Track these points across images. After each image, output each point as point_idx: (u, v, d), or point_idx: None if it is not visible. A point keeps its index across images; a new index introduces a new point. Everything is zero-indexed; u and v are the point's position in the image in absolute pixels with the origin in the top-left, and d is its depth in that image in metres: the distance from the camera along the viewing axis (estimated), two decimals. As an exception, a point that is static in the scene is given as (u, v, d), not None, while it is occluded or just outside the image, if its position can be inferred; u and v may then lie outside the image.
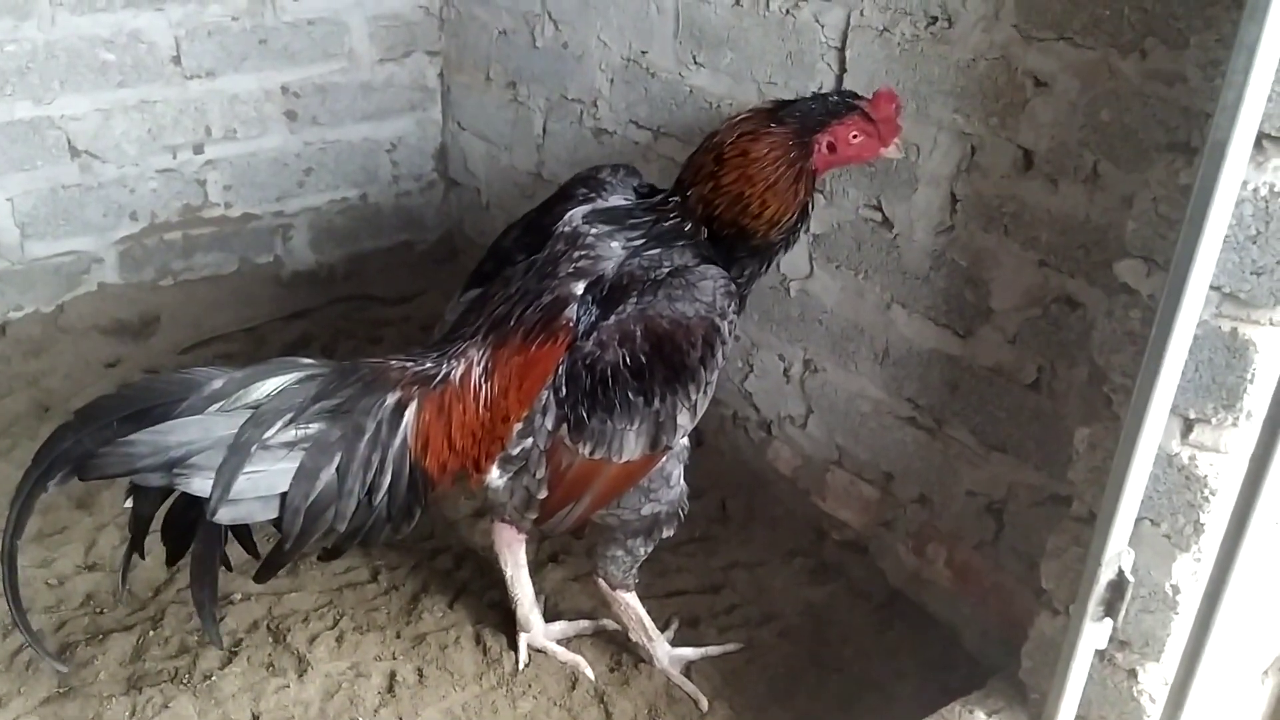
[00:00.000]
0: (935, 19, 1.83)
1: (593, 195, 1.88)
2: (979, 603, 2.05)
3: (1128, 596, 1.44)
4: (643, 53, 2.48)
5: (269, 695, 1.91)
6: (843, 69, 2.03)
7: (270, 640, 2.04)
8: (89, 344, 2.90)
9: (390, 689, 1.95)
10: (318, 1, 3.01)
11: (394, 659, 2.01)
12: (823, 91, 1.88)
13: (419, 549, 2.28)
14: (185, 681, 1.93)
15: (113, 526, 2.28)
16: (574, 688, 2.00)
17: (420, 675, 1.98)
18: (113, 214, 2.91)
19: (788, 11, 2.11)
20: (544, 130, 2.90)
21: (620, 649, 2.08)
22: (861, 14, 1.96)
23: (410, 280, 3.36)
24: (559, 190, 1.96)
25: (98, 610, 2.09)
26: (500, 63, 3.00)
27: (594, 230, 1.77)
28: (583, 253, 1.75)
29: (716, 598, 2.22)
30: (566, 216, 1.81)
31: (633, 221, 1.78)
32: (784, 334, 2.33)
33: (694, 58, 2.35)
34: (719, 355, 1.74)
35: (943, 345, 1.99)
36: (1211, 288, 1.27)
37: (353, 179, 3.27)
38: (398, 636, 2.07)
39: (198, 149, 2.98)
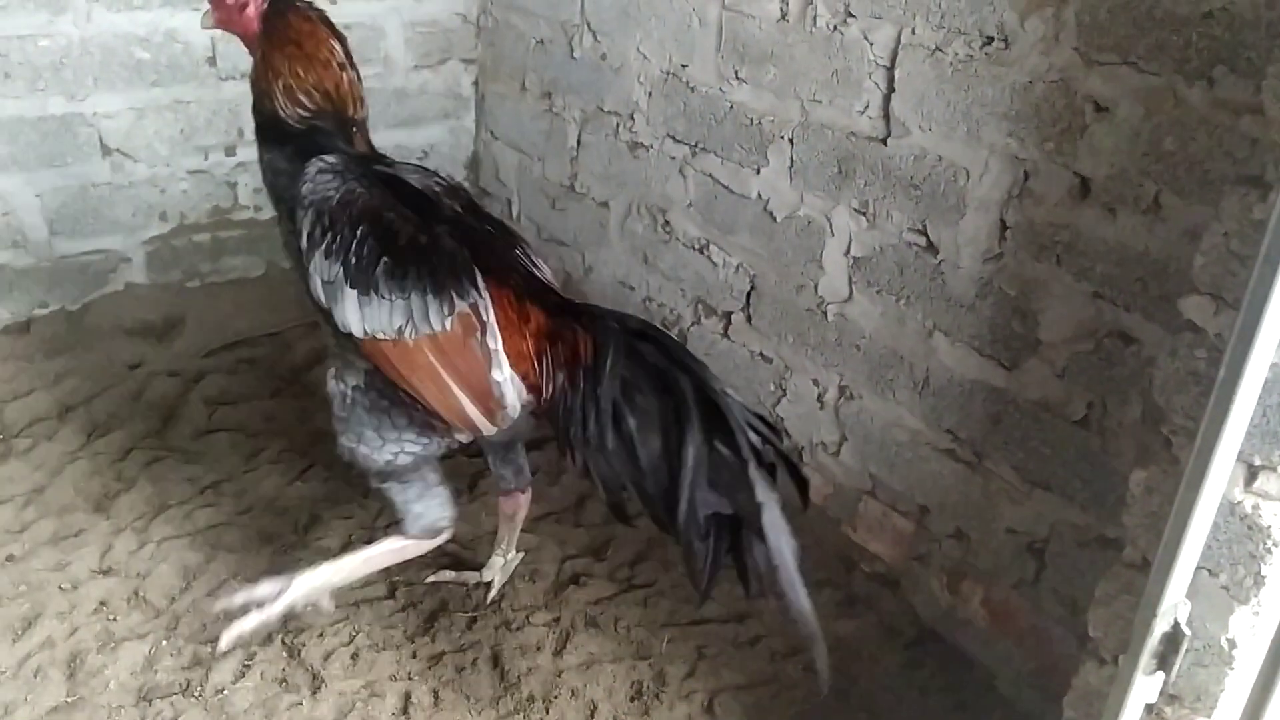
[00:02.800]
0: (991, 39, 1.78)
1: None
2: (1016, 645, 1.98)
3: (1183, 650, 1.37)
4: (683, 66, 2.43)
5: (281, 712, 1.86)
6: (891, 88, 1.98)
7: (284, 654, 1.99)
8: (113, 344, 2.87)
9: (405, 710, 1.90)
10: (355, 5, 2.99)
11: (409, 679, 1.96)
12: None
13: (438, 565, 2.23)
14: (197, 695, 1.89)
15: (129, 531, 2.24)
16: (594, 713, 1.94)
17: (436, 697, 1.93)
18: (142, 214, 2.89)
19: (835, 28, 2.06)
20: (578, 142, 2.86)
21: (633, 671, 2.02)
22: (913, 32, 1.91)
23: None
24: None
25: (111, 617, 2.05)
26: (536, 72, 2.96)
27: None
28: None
29: (741, 628, 2.15)
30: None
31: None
32: (819, 358, 2.27)
33: (736, 73, 2.30)
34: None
35: (986, 376, 1.92)
36: (1286, 329, 1.21)
37: (383, 185, 3.24)
38: (414, 656, 2.01)
39: (229, 151, 2.95)
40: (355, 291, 1.72)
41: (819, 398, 2.30)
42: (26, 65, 2.59)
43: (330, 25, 1.93)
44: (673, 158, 2.53)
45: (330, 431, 1.90)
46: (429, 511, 1.91)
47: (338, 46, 1.92)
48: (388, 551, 1.94)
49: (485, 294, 1.73)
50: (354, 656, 1.99)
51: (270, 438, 2.60)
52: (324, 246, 1.74)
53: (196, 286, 3.02)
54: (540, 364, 1.74)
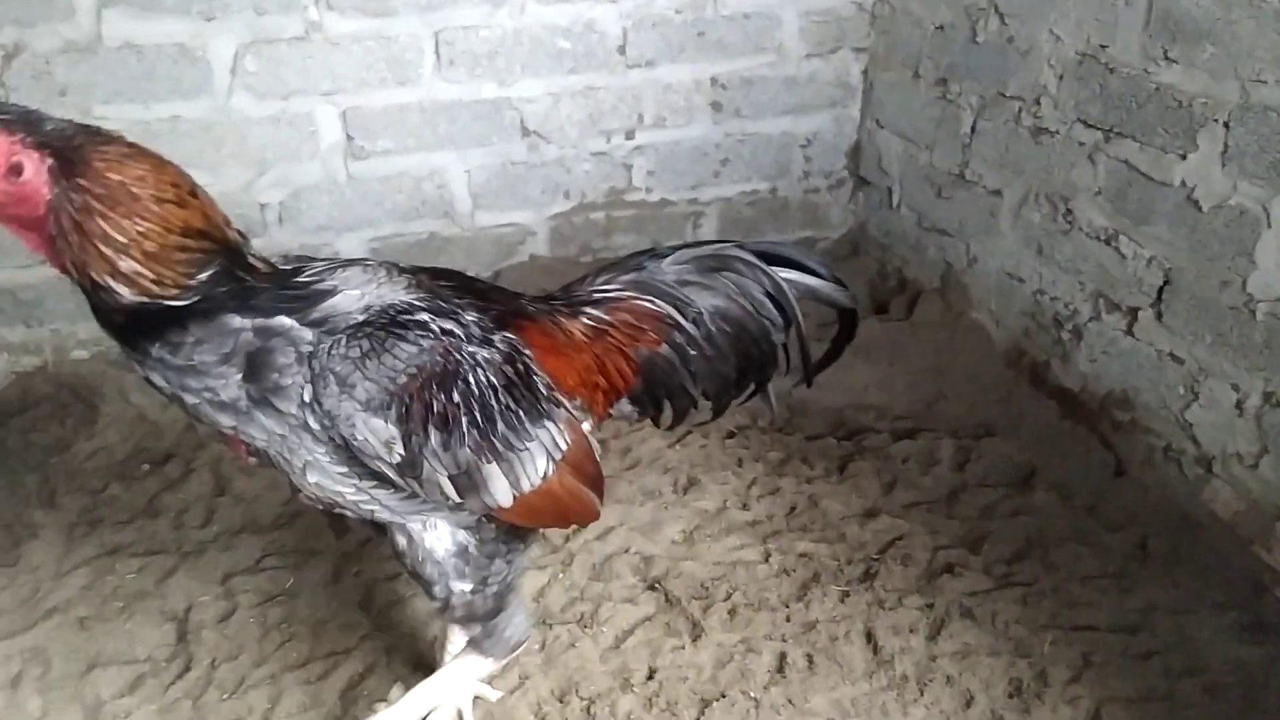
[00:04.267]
0: None
1: None
2: None
3: None
4: (1101, 46, 2.31)
5: (665, 653, 1.97)
6: (1363, 63, 1.78)
7: (666, 603, 2.10)
8: (516, 308, 3.15)
9: (780, 669, 1.94)
10: (753, -4, 3.09)
11: (784, 641, 2.00)
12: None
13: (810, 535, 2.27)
14: (587, 628, 2.03)
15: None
16: (970, 704, 1.89)
17: (810, 662, 1.96)
18: (550, 191, 3.15)
19: (1294, -1, 1.88)
20: (973, 129, 2.79)
21: (1012, 667, 1.95)
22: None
23: (810, 276, 3.36)
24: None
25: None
26: (932, 59, 2.92)
27: None
28: None
29: (1132, 639, 2.02)
30: None
31: None
32: (1242, 361, 2.08)
33: (1165, 52, 2.16)
34: None
35: None
36: None
37: (765, 172, 3.33)
38: (788, 620, 2.06)
39: (629, 134, 3.14)
40: (495, 464, 1.48)
41: (1238, 404, 2.11)
42: (468, 54, 2.90)
43: (139, 147, 1.34)
44: (1082, 143, 2.41)
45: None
46: (518, 629, 1.72)
47: (171, 168, 1.35)
48: (466, 676, 1.77)
49: (560, 392, 1.59)
50: (731, 613, 2.07)
51: (651, 404, 2.75)
52: (434, 441, 1.42)
53: (589, 260, 3.25)
54: (606, 363, 1.70)
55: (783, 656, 1.97)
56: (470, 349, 1.46)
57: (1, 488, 2.40)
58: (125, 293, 1.30)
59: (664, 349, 1.74)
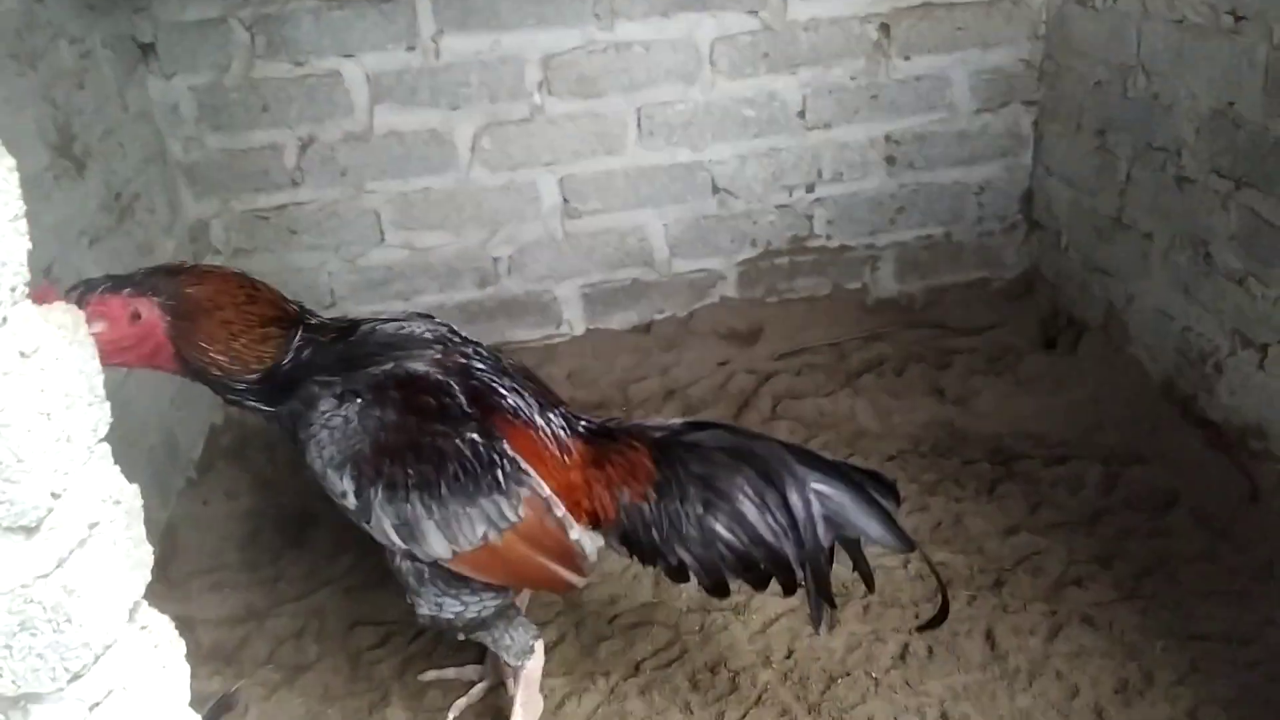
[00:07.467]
0: None
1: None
2: None
3: None
4: (1229, 103, 2.49)
5: (803, 638, 2.31)
6: None
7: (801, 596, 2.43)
8: (708, 345, 3.56)
9: (902, 657, 2.24)
10: (926, 60, 3.38)
11: (909, 635, 2.30)
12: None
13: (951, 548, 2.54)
14: (740, 614, 2.40)
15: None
16: (1075, 696, 2.12)
17: (930, 652, 2.25)
18: (738, 240, 3.55)
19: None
20: (1127, 177, 2.98)
21: (1122, 668, 2.15)
22: None
23: (984, 314, 3.59)
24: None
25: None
26: (1091, 111, 3.13)
27: None
28: None
29: (1242, 650, 2.17)
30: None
31: None
32: (1359, 394, 2.21)
33: (1283, 108, 2.32)
34: None
35: None
36: None
37: (939, 217, 3.60)
38: (916, 617, 2.34)
39: (809, 188, 3.51)
40: (433, 523, 1.74)
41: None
42: (665, 125, 3.36)
43: (205, 267, 1.81)
44: (1216, 191, 2.58)
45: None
46: (519, 638, 1.96)
47: (233, 278, 1.79)
48: (529, 684, 2.02)
49: (533, 473, 1.79)
50: (865, 608, 2.37)
51: (822, 429, 3.08)
52: (380, 497, 1.72)
53: (774, 301, 3.62)
54: (592, 489, 1.85)
55: (906, 646, 2.26)
56: (434, 425, 1.74)
57: (292, 486, 3.03)
58: (241, 377, 1.74)
59: (646, 507, 1.85)
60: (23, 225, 0.92)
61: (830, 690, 2.17)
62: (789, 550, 1.81)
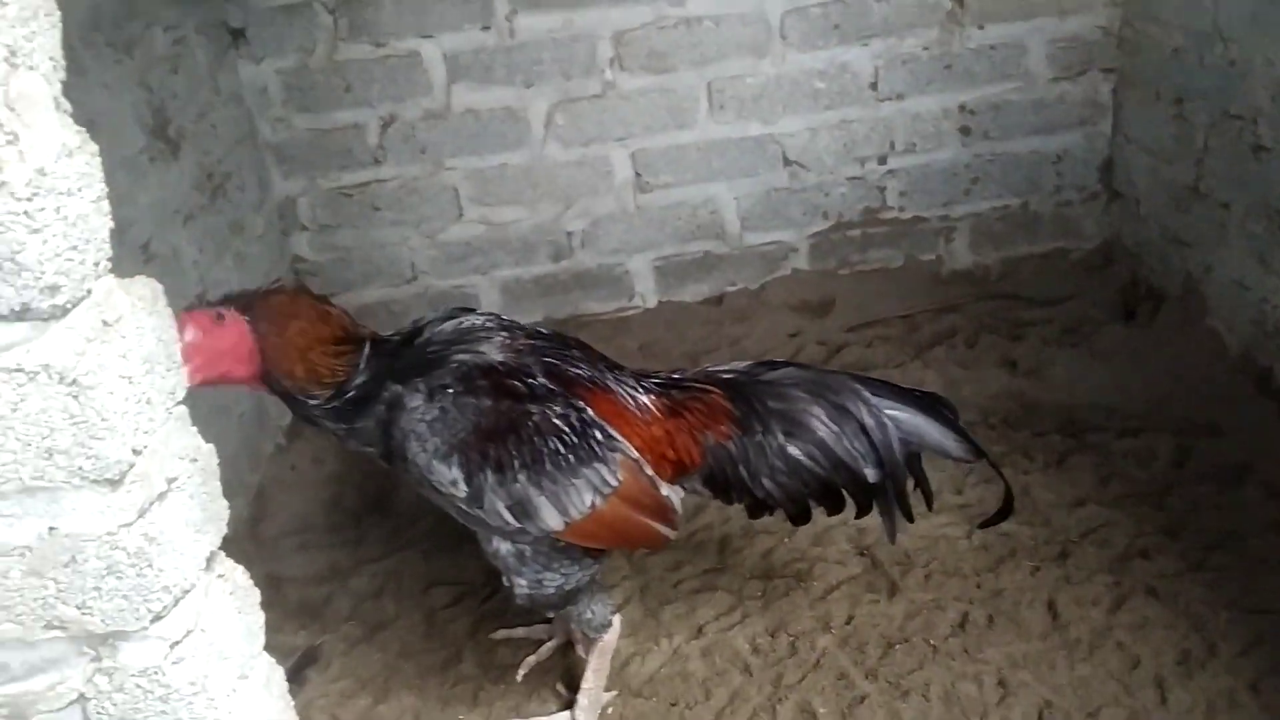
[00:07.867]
0: None
1: None
2: None
3: None
4: (1310, 68, 2.43)
5: (863, 605, 2.35)
6: None
7: (871, 566, 2.47)
8: (780, 317, 3.59)
9: (962, 625, 2.27)
10: (1001, 28, 3.34)
11: (970, 604, 2.32)
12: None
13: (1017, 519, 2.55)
14: (801, 581, 2.45)
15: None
16: (1136, 666, 2.12)
17: (990, 621, 2.27)
18: (809, 213, 3.57)
19: None
20: (1204, 145, 2.92)
21: (1185, 639, 2.15)
22: None
23: (1060, 285, 3.55)
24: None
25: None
26: (1169, 79, 3.06)
27: None
28: None
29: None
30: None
31: None
32: None
33: (1366, 71, 2.26)
34: None
35: None
36: None
37: (1015, 188, 3.56)
38: (978, 587, 2.36)
39: (881, 160, 3.50)
40: (545, 498, 1.81)
41: None
42: (736, 99, 3.38)
43: (281, 289, 1.89)
44: (1294, 159, 2.52)
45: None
46: (599, 612, 2.04)
47: (304, 299, 1.86)
48: (603, 653, 2.10)
49: (619, 437, 1.88)
50: (926, 577, 2.40)
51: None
52: (491, 480, 1.78)
53: (846, 274, 3.63)
54: (675, 439, 1.94)
55: (965, 615, 2.29)
56: (527, 406, 1.81)
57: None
58: (318, 391, 1.80)
59: (731, 444, 1.96)
60: (105, 206, 1.02)
61: (888, 656, 2.22)
62: (869, 472, 1.95)
